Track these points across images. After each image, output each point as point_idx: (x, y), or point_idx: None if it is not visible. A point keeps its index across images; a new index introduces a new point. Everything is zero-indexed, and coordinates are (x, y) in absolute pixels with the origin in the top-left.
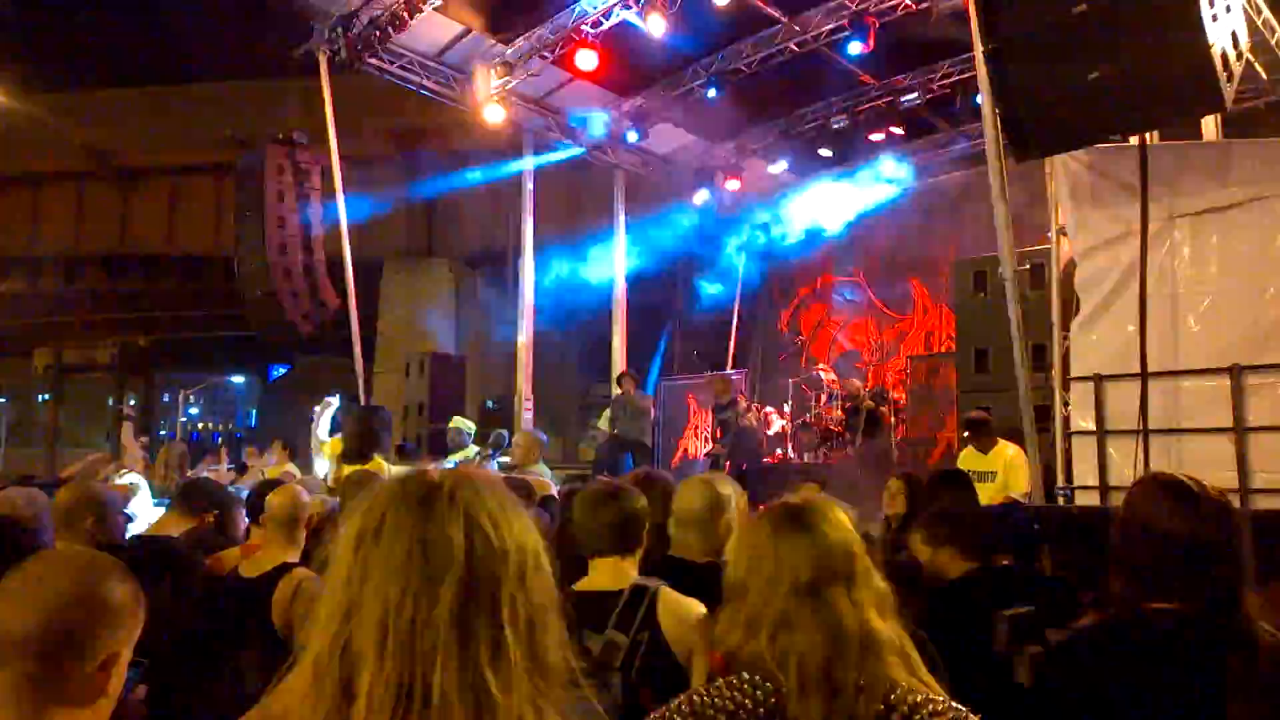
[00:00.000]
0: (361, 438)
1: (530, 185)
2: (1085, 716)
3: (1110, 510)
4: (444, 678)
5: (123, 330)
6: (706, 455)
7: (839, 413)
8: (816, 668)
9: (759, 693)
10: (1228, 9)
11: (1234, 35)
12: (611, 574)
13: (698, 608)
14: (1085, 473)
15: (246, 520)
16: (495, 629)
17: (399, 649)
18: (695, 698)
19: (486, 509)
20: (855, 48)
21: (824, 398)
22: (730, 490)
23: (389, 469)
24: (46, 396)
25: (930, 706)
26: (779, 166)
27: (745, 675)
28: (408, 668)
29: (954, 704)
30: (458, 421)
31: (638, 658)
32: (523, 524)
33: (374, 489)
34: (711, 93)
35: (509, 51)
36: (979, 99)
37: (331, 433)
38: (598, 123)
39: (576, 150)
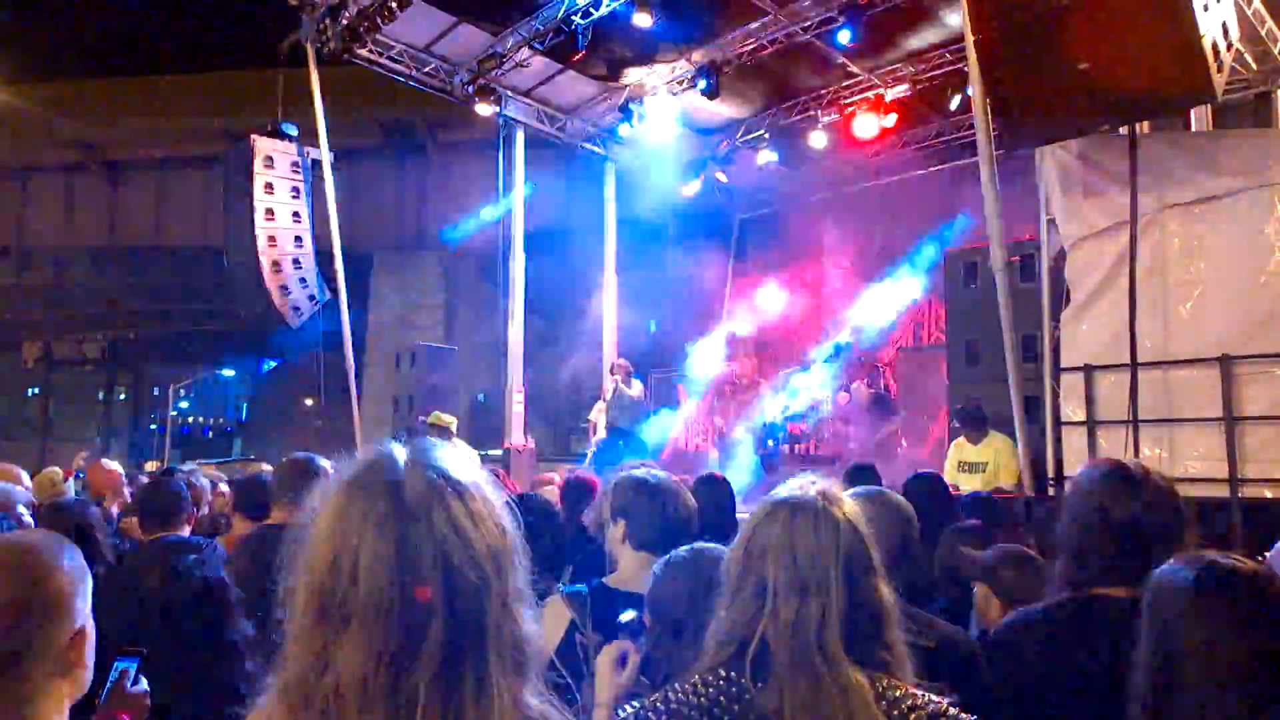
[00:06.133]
0: None
1: (521, 176)
2: (1033, 701)
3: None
4: None
5: (112, 323)
6: (721, 432)
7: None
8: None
9: (733, 688)
10: None
11: (1224, 26)
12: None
13: None
14: (1076, 463)
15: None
16: (479, 666)
17: (382, 696)
18: (670, 694)
19: (460, 522)
20: (844, 36)
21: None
22: None
23: None
24: (36, 390)
25: (910, 701)
26: (769, 157)
27: (720, 671)
28: (391, 715)
29: (933, 697)
30: (437, 416)
31: None
32: (496, 520)
33: (342, 491)
34: (701, 84)
35: (499, 43)
36: (969, 90)
37: None
38: (587, 113)
39: (566, 142)
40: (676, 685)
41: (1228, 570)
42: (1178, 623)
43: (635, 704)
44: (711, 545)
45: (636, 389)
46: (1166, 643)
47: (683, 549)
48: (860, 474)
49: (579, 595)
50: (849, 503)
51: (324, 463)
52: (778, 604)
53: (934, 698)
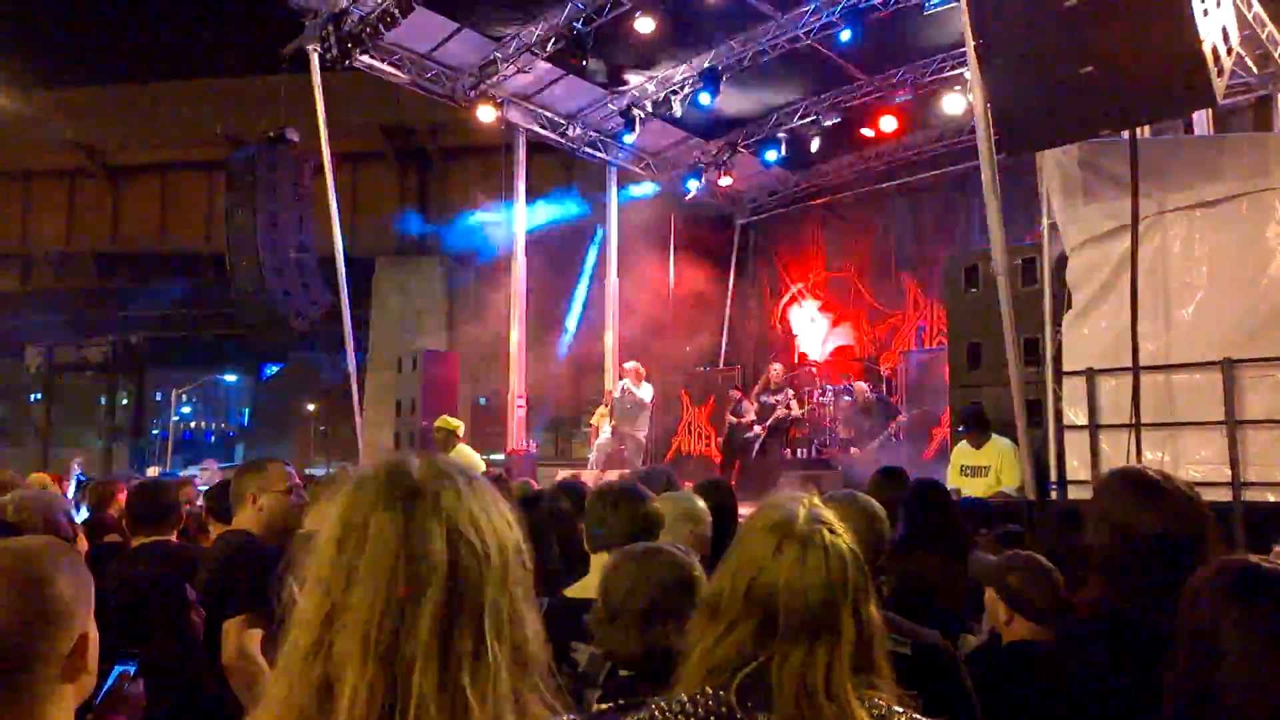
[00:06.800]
0: None
1: (522, 182)
2: (1077, 714)
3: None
4: (424, 686)
5: (115, 328)
6: (746, 429)
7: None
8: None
9: (723, 707)
10: (1218, 4)
11: (1224, 30)
12: None
13: None
14: (1077, 467)
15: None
16: (477, 635)
17: (381, 656)
18: (655, 711)
19: (469, 510)
20: (845, 36)
21: (815, 393)
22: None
23: None
24: (38, 395)
25: (894, 718)
26: (770, 162)
27: (708, 689)
28: (389, 675)
29: (915, 715)
30: (445, 421)
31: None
32: (504, 520)
33: (353, 482)
34: (703, 90)
35: (500, 48)
36: (970, 94)
37: None
38: (589, 119)
39: (568, 147)
40: (661, 702)
41: (1267, 573)
42: (1214, 627)
43: None
44: (669, 546)
45: (646, 392)
46: (1202, 646)
47: (640, 545)
48: (891, 477)
49: None
50: (843, 526)
51: (278, 463)
52: (787, 646)
53: (916, 716)
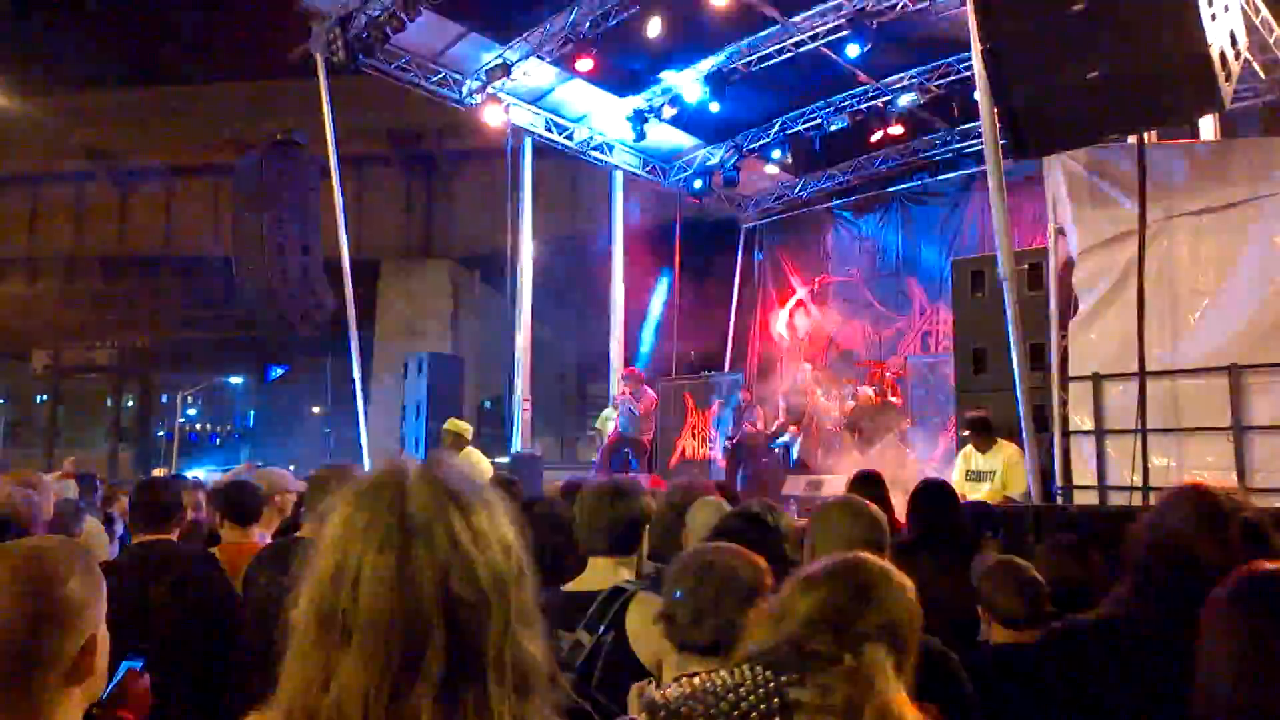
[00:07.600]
0: None
1: (528, 185)
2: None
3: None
4: None
5: (121, 331)
6: (773, 436)
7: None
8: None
9: (760, 677)
10: (1226, 8)
11: (1232, 35)
12: (604, 574)
13: None
14: (1083, 472)
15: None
16: (480, 690)
17: (383, 714)
18: (696, 681)
19: (463, 540)
20: (853, 50)
21: (820, 397)
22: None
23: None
24: (45, 397)
25: None
26: (776, 166)
27: (746, 667)
28: None
29: None
30: (454, 424)
31: (599, 659)
32: (502, 545)
33: (350, 500)
34: (709, 94)
35: (507, 52)
36: (977, 98)
37: None
38: (595, 122)
39: (574, 150)
40: (702, 676)
41: (1262, 576)
42: (1215, 632)
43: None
44: (728, 545)
45: (647, 398)
46: (1206, 655)
47: (703, 544)
48: (866, 482)
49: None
50: None
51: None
52: (860, 641)
53: None
